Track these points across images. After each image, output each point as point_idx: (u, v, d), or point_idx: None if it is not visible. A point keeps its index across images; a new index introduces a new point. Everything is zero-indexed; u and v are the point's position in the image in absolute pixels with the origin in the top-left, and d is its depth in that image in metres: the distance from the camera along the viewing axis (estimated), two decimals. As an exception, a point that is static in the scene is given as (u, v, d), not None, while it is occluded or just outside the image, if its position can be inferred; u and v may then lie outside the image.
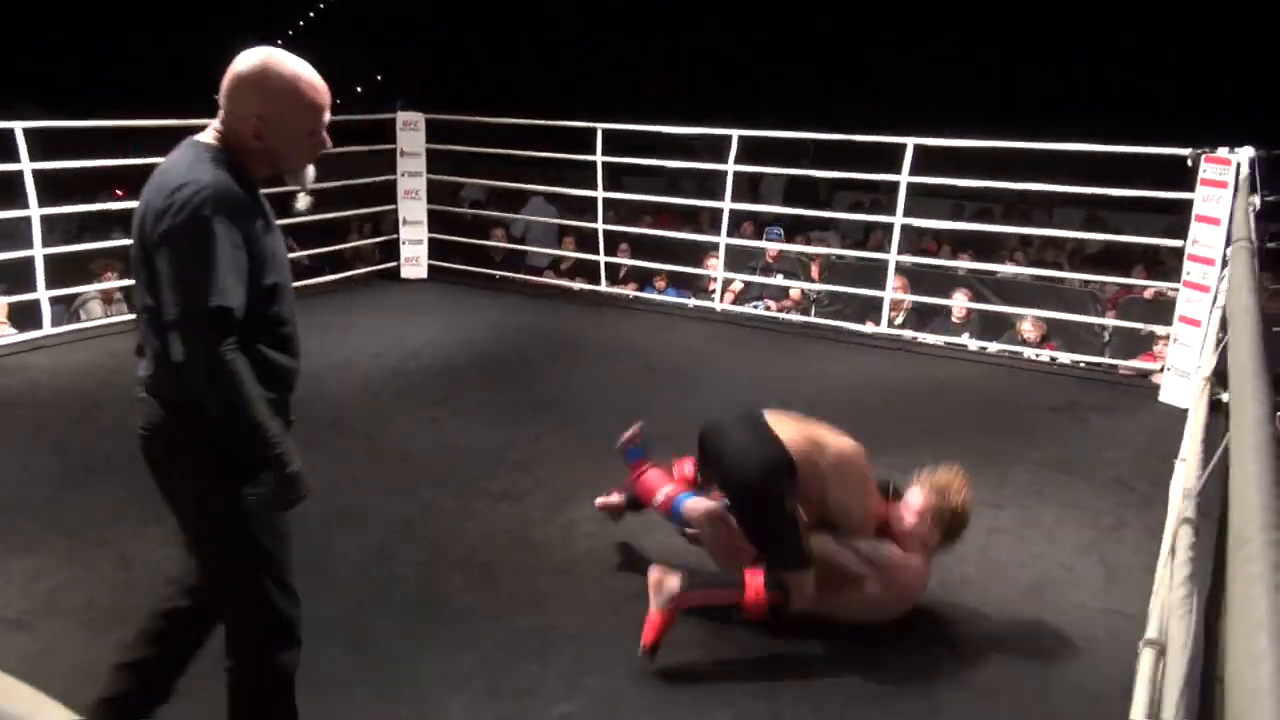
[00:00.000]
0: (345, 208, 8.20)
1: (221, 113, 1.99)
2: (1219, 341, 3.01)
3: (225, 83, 1.97)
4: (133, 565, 3.21)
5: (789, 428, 2.82)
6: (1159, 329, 5.60)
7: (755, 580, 2.72)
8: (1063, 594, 3.01)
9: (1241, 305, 1.92)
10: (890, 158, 6.14)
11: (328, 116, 2.04)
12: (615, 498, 3.38)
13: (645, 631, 2.65)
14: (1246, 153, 4.75)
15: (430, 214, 7.64)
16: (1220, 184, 4.83)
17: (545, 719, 2.50)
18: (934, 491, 2.86)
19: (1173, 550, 1.44)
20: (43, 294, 5.64)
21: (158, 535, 3.40)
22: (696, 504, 3.07)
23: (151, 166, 2.03)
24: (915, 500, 2.88)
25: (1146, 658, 1.56)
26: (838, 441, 2.88)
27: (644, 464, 3.28)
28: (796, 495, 2.77)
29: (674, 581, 2.67)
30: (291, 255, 7.55)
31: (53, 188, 5.80)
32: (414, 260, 7.65)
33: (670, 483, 3.22)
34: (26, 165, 5.44)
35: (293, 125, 1.99)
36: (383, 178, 7.58)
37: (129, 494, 3.75)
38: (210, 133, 2.00)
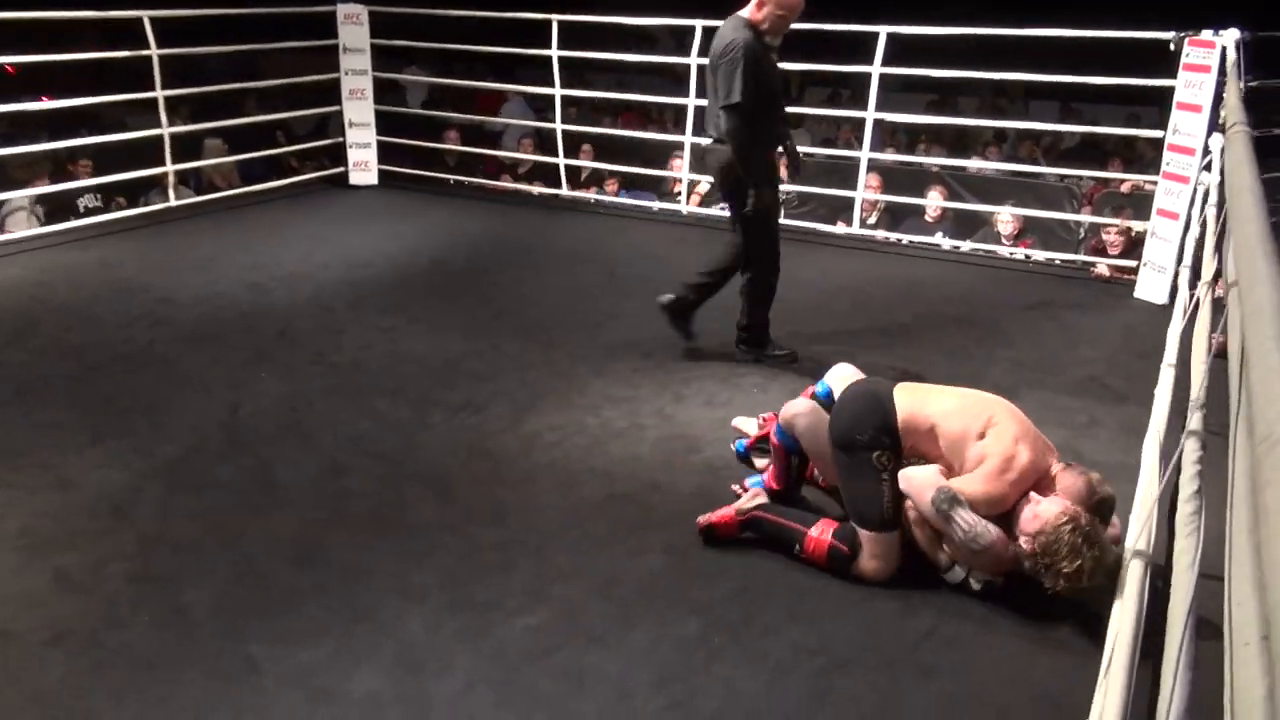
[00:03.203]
0: (287, 109, 7.74)
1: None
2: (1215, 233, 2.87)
3: None
4: (72, 487, 3.06)
5: (905, 395, 2.73)
6: (1136, 224, 5.48)
7: (827, 526, 2.68)
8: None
9: (1243, 184, 1.78)
10: (864, 49, 5.87)
11: (797, 13, 3.82)
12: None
13: (712, 515, 2.79)
14: (1232, 35, 4.53)
15: (378, 115, 7.25)
16: (1203, 68, 4.63)
17: (508, 631, 2.41)
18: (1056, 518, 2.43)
19: (1177, 466, 1.30)
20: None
21: (98, 457, 3.25)
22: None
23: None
24: (1049, 510, 2.48)
25: (1135, 569, 1.45)
26: (944, 401, 2.72)
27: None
28: (897, 459, 2.67)
29: (762, 498, 2.83)
30: (230, 159, 7.12)
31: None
32: (362, 165, 7.29)
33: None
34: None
35: (776, 11, 3.78)
36: (326, 76, 7.15)
37: (68, 416, 3.58)
38: (746, 10, 3.81)
